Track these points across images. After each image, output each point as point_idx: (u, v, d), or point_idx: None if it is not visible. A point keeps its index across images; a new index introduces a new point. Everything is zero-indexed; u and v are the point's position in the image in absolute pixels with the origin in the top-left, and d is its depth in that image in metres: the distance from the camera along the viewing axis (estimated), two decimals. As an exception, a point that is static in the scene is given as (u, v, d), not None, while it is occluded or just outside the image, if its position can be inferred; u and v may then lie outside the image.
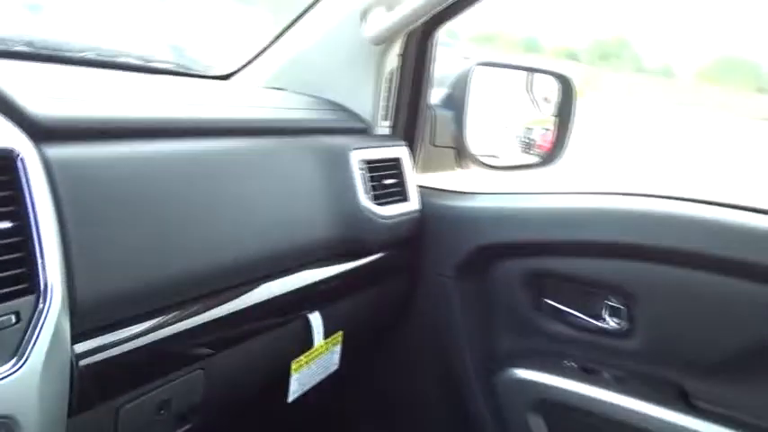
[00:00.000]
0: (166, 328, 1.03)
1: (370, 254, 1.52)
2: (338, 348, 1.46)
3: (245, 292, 1.19)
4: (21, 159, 0.83)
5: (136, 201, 0.99)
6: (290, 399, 1.34)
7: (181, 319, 1.06)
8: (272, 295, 1.24)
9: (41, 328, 0.82)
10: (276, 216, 1.25)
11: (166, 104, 1.20)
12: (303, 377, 1.35)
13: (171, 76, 1.55)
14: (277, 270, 1.26)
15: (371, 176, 1.50)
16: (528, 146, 2.32)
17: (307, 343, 1.35)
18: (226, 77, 1.69)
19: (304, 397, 1.39)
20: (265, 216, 1.23)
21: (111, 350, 0.95)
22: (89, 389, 0.91)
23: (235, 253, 1.15)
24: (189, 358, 1.08)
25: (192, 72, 1.66)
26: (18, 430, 0.78)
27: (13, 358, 0.79)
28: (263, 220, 1.22)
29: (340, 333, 1.45)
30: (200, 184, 1.11)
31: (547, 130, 2.18)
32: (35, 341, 0.81)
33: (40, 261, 0.83)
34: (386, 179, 1.56)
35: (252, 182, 1.23)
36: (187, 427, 1.13)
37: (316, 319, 1.35)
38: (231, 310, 1.14)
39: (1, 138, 0.82)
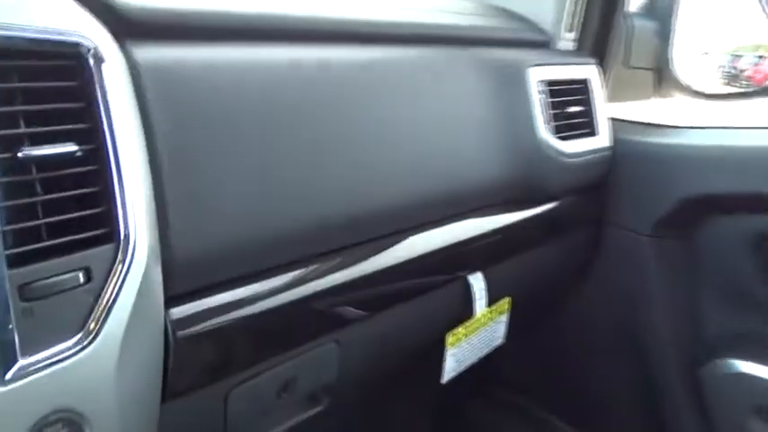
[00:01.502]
0: (290, 291, 0.79)
1: (547, 202, 1.19)
2: (504, 318, 1.16)
3: (390, 246, 0.92)
4: (96, 59, 0.60)
5: (250, 123, 0.74)
6: (445, 379, 1.07)
7: (308, 280, 0.81)
8: (423, 251, 0.96)
9: (120, 289, 0.60)
10: (431, 149, 0.96)
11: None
12: (461, 353, 1.08)
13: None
14: (430, 219, 0.98)
15: (552, 102, 1.16)
16: (734, 77, 1.86)
17: (465, 311, 1.07)
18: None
19: (457, 376, 1.12)
20: (419, 148, 0.94)
21: (218, 318, 0.72)
22: (189, 368, 0.70)
23: (378, 195, 0.88)
24: (319, 328, 0.84)
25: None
26: (88, 428, 0.58)
27: (78, 333, 0.58)
28: (416, 154, 0.93)
29: (507, 300, 1.15)
30: (335, 103, 0.84)
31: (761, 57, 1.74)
32: (110, 307, 0.59)
33: (119, 197, 0.60)
34: (570, 106, 1.21)
35: (400, 103, 0.93)
36: (316, 409, 0.91)
37: (477, 281, 1.06)
38: (372, 270, 0.88)
39: (67, 28, 0.59)
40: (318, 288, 0.82)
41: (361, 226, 0.87)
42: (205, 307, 0.71)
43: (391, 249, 0.92)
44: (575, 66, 1.24)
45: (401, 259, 0.93)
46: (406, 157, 0.92)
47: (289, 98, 0.79)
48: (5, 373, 0.52)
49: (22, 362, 0.53)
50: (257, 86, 0.75)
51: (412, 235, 0.95)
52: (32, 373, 0.54)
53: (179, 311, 0.68)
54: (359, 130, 0.86)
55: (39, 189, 0.57)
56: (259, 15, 0.80)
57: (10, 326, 0.53)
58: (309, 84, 0.82)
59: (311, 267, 0.81)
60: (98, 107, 0.60)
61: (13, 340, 0.53)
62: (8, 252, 0.53)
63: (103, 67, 0.61)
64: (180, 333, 0.68)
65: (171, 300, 0.67)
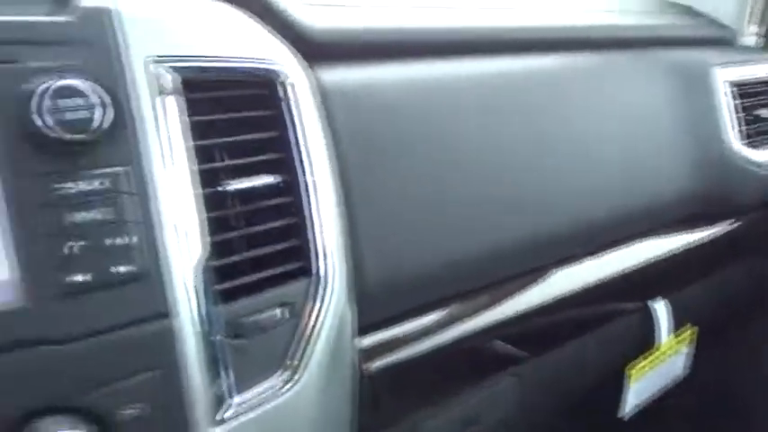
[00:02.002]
0: (471, 321, 0.74)
1: (736, 218, 1.06)
2: (688, 350, 1.05)
3: (567, 273, 0.85)
4: (290, 86, 0.59)
5: (435, 145, 0.70)
6: (626, 413, 0.98)
7: (487, 310, 0.76)
8: (601, 278, 0.88)
9: (317, 323, 0.58)
10: (606, 164, 0.88)
11: (466, 13, 0.88)
12: (643, 387, 0.98)
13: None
14: (607, 242, 0.89)
15: (741, 105, 1.03)
16: None
17: (647, 341, 0.97)
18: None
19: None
20: (593, 164, 0.86)
21: (405, 350, 0.69)
22: (381, 402, 0.67)
23: (555, 218, 0.81)
24: (500, 361, 0.79)
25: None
26: (290, 468, 0.56)
27: (282, 370, 0.56)
28: (592, 171, 0.86)
29: (692, 329, 1.04)
30: (510, 120, 0.78)
31: None
32: (309, 342, 0.57)
33: (317, 231, 0.58)
34: (761, 109, 1.07)
35: (582, 114, 0.86)
36: (492, 446, 0.85)
37: (660, 308, 0.96)
38: (551, 298, 0.82)
39: (262, 55, 0.58)
40: (497, 319, 0.76)
41: (538, 252, 0.80)
42: (392, 338, 0.68)
43: (568, 277, 0.84)
44: (764, 63, 1.10)
45: (579, 287, 0.85)
46: (581, 175, 0.84)
47: (470, 117, 0.74)
48: (219, 413, 0.51)
49: (236, 399, 0.52)
50: (438, 106, 0.71)
51: (589, 260, 0.87)
52: (245, 412, 0.52)
53: (367, 345, 0.65)
54: (534, 148, 0.80)
55: (240, 223, 0.56)
56: (439, 30, 0.76)
57: (223, 363, 0.51)
58: (487, 99, 0.77)
59: (489, 297, 0.76)
60: (292, 136, 0.58)
61: (227, 378, 0.52)
62: (217, 287, 0.52)
63: (296, 93, 0.59)
64: (369, 367, 0.65)
65: (359, 333, 0.64)
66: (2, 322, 0.43)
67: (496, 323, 0.76)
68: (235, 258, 0.54)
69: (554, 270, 0.83)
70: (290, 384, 0.55)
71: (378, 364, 0.66)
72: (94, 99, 0.45)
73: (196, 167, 0.52)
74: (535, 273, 0.81)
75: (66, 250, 0.45)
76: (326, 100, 0.63)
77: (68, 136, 0.44)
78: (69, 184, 0.45)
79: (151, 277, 0.48)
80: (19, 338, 0.43)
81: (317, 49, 0.64)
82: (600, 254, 0.88)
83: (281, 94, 0.58)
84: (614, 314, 0.92)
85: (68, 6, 0.48)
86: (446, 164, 0.70)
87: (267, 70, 0.57)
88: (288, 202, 0.58)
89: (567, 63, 0.89)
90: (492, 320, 0.76)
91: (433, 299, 0.71)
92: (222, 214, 0.54)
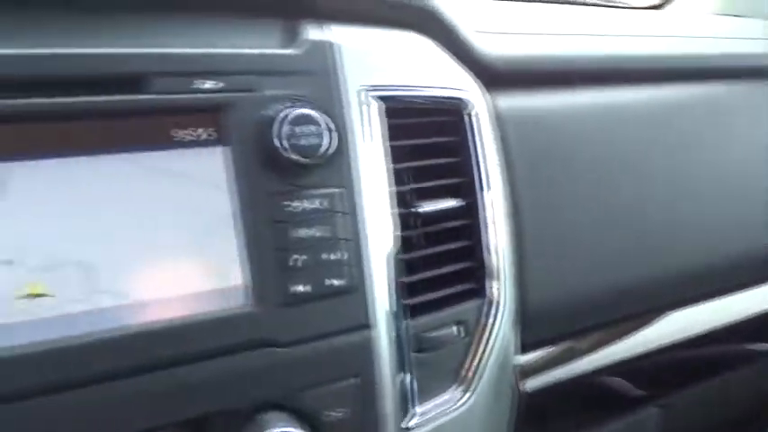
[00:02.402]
0: (620, 349, 0.75)
1: None
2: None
3: (715, 306, 0.83)
4: (472, 114, 0.61)
5: (599, 172, 0.71)
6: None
7: (636, 337, 0.76)
8: (748, 313, 0.86)
9: (491, 343, 0.60)
10: (756, 197, 0.86)
11: (614, 42, 0.89)
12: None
13: (593, 8, 1.23)
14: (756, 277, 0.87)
15: None
16: None
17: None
18: (659, 6, 1.31)
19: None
20: (744, 194, 0.85)
21: (556, 372, 0.70)
22: (533, 421, 0.69)
23: (705, 250, 0.80)
24: (644, 390, 0.79)
25: (614, 3, 1.32)
26: (461, 480, 0.58)
27: (457, 385, 0.59)
28: (739, 202, 0.84)
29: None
30: (671, 148, 0.78)
31: None
32: (482, 360, 0.60)
33: (492, 253, 0.61)
34: None
35: (727, 145, 0.85)
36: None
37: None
38: (700, 330, 0.81)
39: (452, 84, 0.61)
40: (646, 348, 0.76)
41: (687, 284, 0.80)
42: (546, 359, 0.70)
43: (715, 310, 0.83)
44: None
45: (726, 321, 0.84)
46: (727, 205, 0.83)
47: (629, 145, 0.75)
48: (405, 421, 0.54)
49: (419, 410, 0.55)
50: (602, 134, 0.73)
51: (738, 294, 0.85)
52: (426, 423, 0.55)
53: (525, 366, 0.67)
54: (683, 180, 0.80)
55: (423, 243, 0.59)
56: (608, 57, 0.77)
57: (409, 375, 0.55)
58: (652, 127, 0.77)
59: (641, 324, 0.76)
60: (474, 161, 0.61)
61: (411, 389, 0.55)
62: (407, 302, 0.55)
63: (479, 120, 0.62)
64: (526, 387, 0.67)
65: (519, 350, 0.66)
66: (235, 324, 0.48)
67: (644, 352, 0.76)
68: (421, 276, 0.57)
69: (703, 302, 0.82)
70: (464, 399, 0.58)
71: (533, 384, 0.68)
72: (324, 126, 0.49)
73: (393, 189, 0.56)
74: (684, 305, 0.81)
75: (291, 262, 0.49)
76: (501, 126, 0.65)
77: (300, 159, 0.48)
78: (296, 203, 0.50)
79: (358, 291, 0.52)
80: (249, 340, 0.48)
81: (494, 76, 0.66)
82: (749, 288, 0.87)
83: (466, 121, 0.61)
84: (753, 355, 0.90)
85: (297, 40, 0.53)
86: (608, 191, 0.72)
87: (456, 99, 0.60)
88: (466, 225, 0.61)
89: (718, 92, 0.88)
90: (639, 350, 0.76)
91: (590, 324, 0.72)
92: (411, 234, 0.57)
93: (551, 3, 1.20)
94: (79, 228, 0.45)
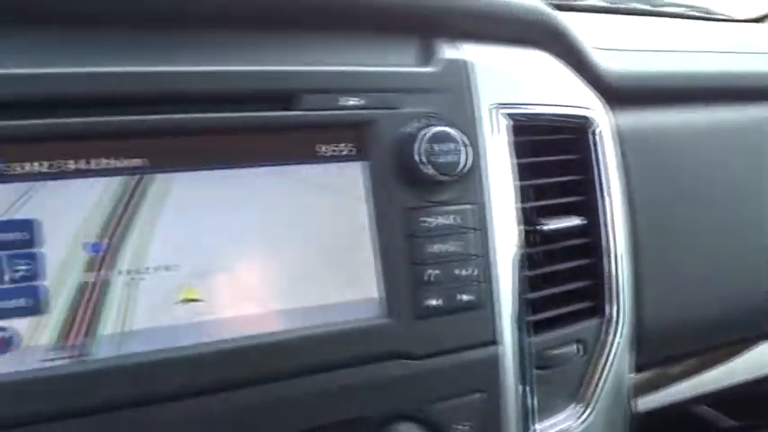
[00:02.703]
0: (715, 371, 0.73)
1: None
2: None
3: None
4: (596, 132, 0.61)
5: (713, 192, 0.70)
6: None
7: (731, 360, 0.74)
8: None
9: (609, 363, 0.60)
10: None
11: (726, 58, 0.86)
12: None
13: (695, 21, 1.20)
14: None
15: None
16: None
17: None
18: (760, 20, 1.27)
19: None
20: None
21: (663, 393, 0.69)
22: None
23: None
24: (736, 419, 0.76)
25: (712, 15, 1.28)
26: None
27: (576, 403, 0.58)
28: None
29: None
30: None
31: None
32: (601, 380, 0.59)
33: (612, 272, 0.60)
34: None
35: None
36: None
37: None
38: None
39: (578, 102, 0.61)
40: (744, 376, 0.74)
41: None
42: (656, 381, 0.68)
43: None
44: None
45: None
46: None
47: (739, 164, 0.73)
48: (525, 438, 0.55)
49: (538, 426, 0.55)
50: (717, 153, 0.71)
51: None
52: (545, 441, 0.56)
53: (638, 381, 0.66)
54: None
55: (544, 260, 0.59)
56: (723, 74, 0.76)
57: (530, 392, 0.55)
58: (758, 147, 0.75)
59: (738, 351, 0.74)
60: (596, 179, 0.61)
61: (533, 406, 0.55)
62: (531, 318, 0.56)
63: (603, 138, 0.61)
64: (640, 408, 0.66)
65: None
66: (370, 335, 0.49)
67: (742, 381, 0.74)
68: (544, 293, 0.57)
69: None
70: (582, 417, 0.58)
71: (647, 405, 0.66)
72: (461, 144, 0.50)
73: (519, 206, 0.56)
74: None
75: (425, 277, 0.50)
76: (622, 143, 0.64)
77: (437, 176, 0.49)
78: (431, 218, 0.51)
79: (486, 306, 0.52)
80: (383, 351, 0.49)
81: (615, 93, 0.66)
82: None
83: (590, 139, 0.61)
84: None
85: (433, 58, 0.54)
86: (721, 213, 0.70)
87: (581, 117, 0.60)
88: (586, 243, 0.60)
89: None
90: (738, 378, 0.74)
91: (700, 346, 0.70)
92: (534, 251, 0.58)
93: (650, 16, 1.18)
94: (228, 236, 0.47)
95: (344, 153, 0.50)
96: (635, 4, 1.30)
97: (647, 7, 1.27)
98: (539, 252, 0.59)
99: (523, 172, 0.57)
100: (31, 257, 0.43)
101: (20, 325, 0.42)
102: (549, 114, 0.59)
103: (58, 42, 0.45)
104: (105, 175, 0.45)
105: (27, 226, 0.43)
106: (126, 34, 0.47)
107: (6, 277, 0.42)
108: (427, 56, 0.54)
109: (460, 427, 0.51)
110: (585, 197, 0.61)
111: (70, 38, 0.46)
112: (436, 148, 0.49)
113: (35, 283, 0.43)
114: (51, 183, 0.44)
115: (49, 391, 0.42)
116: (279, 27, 0.51)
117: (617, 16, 1.08)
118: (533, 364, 0.56)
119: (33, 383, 0.41)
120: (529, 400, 0.55)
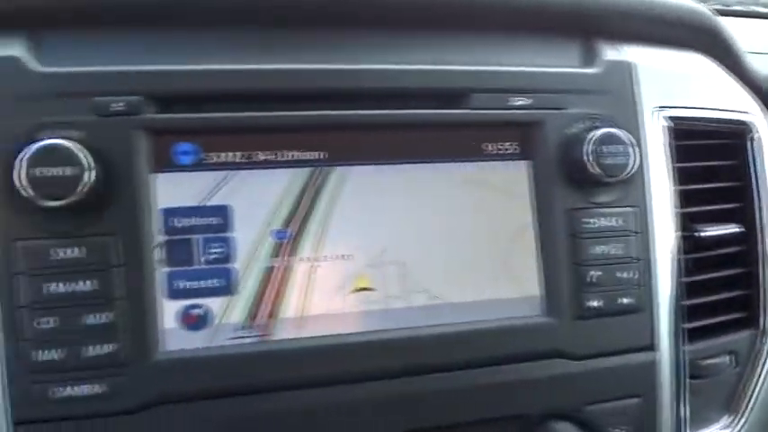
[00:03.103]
0: None
1: None
2: None
3: None
4: (755, 138, 0.59)
5: None
6: None
7: None
8: None
9: (763, 376, 0.58)
10: None
11: None
12: None
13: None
14: None
15: None
16: None
17: None
18: None
19: None
20: None
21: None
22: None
23: None
24: None
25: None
26: None
27: (725, 415, 0.57)
28: None
29: None
30: None
31: None
32: (754, 394, 0.57)
33: (764, 280, 0.58)
34: None
35: None
36: None
37: None
38: None
39: (738, 107, 0.59)
40: None
41: None
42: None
43: None
44: None
45: None
46: None
47: None
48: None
49: (691, 438, 0.54)
50: None
51: None
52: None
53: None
54: None
55: (699, 267, 0.58)
56: None
57: (684, 400, 0.54)
58: None
59: None
60: (753, 186, 0.59)
61: (686, 415, 0.54)
62: (685, 327, 0.54)
63: (761, 144, 0.59)
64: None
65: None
66: (532, 333, 0.49)
67: None
68: (699, 301, 0.56)
69: None
70: (735, 429, 0.56)
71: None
72: (629, 145, 0.50)
73: (678, 211, 0.55)
74: None
75: (587, 278, 0.50)
76: (778, 150, 0.62)
77: (603, 177, 0.49)
78: (594, 219, 0.51)
79: (645, 311, 0.52)
80: (545, 350, 0.49)
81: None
82: None
83: (748, 144, 0.59)
84: None
85: (596, 60, 0.54)
86: None
87: (740, 122, 0.59)
88: (742, 251, 0.59)
89: None
90: None
91: None
92: (691, 258, 0.56)
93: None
94: (398, 229, 0.49)
95: (510, 152, 0.51)
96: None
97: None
98: (695, 258, 0.58)
99: (681, 176, 0.56)
100: (224, 241, 0.46)
101: (213, 304, 0.45)
102: (709, 118, 0.57)
103: (257, 41, 0.48)
104: (291, 167, 0.47)
105: (221, 212, 0.46)
106: (312, 34, 0.49)
107: (202, 259, 0.45)
108: (590, 57, 0.54)
109: (616, 430, 0.51)
110: (742, 204, 0.59)
111: (266, 37, 0.48)
112: (605, 149, 0.49)
113: (227, 265, 0.46)
114: (243, 172, 0.46)
115: (238, 368, 0.44)
116: (449, 27, 0.52)
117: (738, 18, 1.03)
118: (687, 372, 0.55)
119: (224, 359, 0.44)
120: (682, 409, 0.54)
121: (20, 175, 0.40)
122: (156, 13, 0.46)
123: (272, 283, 0.46)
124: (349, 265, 0.48)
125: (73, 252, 0.42)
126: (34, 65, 0.43)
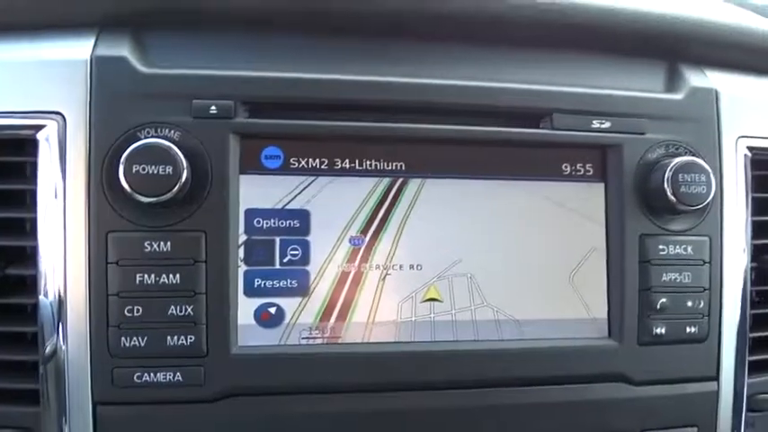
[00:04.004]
0: None
1: None
2: None
3: None
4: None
5: None
6: None
7: None
8: None
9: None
10: None
11: None
12: None
13: None
14: None
15: None
16: None
17: None
18: None
19: None
20: None
21: None
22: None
23: None
24: None
25: None
26: None
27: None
28: None
29: None
30: None
31: None
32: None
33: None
34: None
35: None
36: None
37: None
38: None
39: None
40: None
41: None
42: None
43: None
44: None
45: None
46: None
47: None
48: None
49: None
50: None
51: None
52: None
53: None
54: None
55: (762, 299, 0.57)
56: None
57: (741, 434, 0.54)
58: None
59: None
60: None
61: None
62: (750, 359, 0.54)
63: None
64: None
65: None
66: (594, 355, 0.50)
67: None
68: (765, 333, 0.55)
69: None
70: None
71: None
72: (710, 175, 0.49)
73: (750, 242, 0.54)
74: None
75: (654, 304, 0.50)
76: None
77: (679, 205, 0.49)
78: (665, 247, 0.51)
79: (710, 341, 0.51)
80: (606, 373, 0.50)
81: None
82: None
83: None
84: None
85: (680, 84, 0.53)
86: None
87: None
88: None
89: None
90: None
91: None
92: (761, 290, 0.56)
93: None
94: (469, 243, 0.49)
95: (588, 174, 0.51)
96: None
97: None
98: (759, 291, 0.57)
99: (755, 207, 0.55)
100: (302, 244, 0.47)
101: (287, 304, 0.47)
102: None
103: (346, 53, 0.49)
104: (369, 176, 0.48)
105: (301, 215, 0.47)
106: (399, 47, 0.50)
107: (279, 260, 0.47)
108: (674, 82, 0.54)
109: (683, 460, 0.51)
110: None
111: (355, 49, 0.50)
112: (683, 177, 0.49)
113: (303, 267, 0.47)
114: (323, 178, 0.48)
115: (308, 367, 0.46)
116: (537, 46, 0.52)
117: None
118: (746, 405, 0.54)
119: (296, 358, 0.46)
120: (745, 442, 0.54)
121: (121, 170, 0.42)
122: (252, 18, 0.48)
123: (344, 288, 0.48)
124: (419, 275, 0.49)
125: (163, 246, 0.44)
126: (139, 66, 0.45)
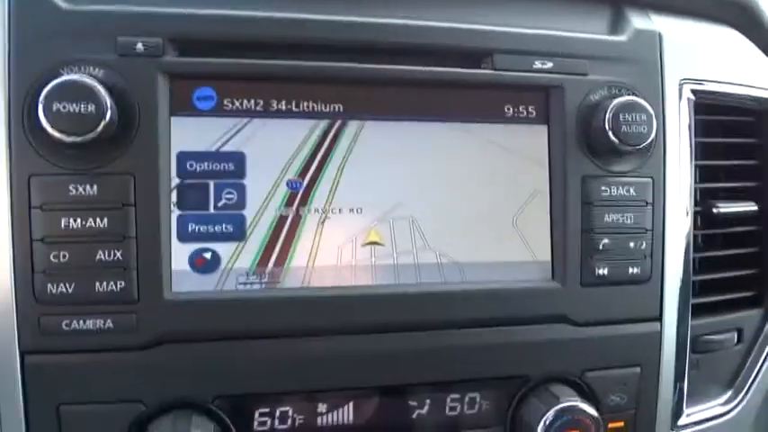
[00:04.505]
0: None
1: None
2: None
3: None
4: (778, 116, 0.58)
5: None
6: None
7: None
8: None
9: (765, 354, 0.58)
10: None
11: None
12: None
13: None
14: None
15: None
16: None
17: None
18: None
19: None
20: None
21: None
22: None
23: None
24: None
25: None
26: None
27: (726, 391, 0.57)
28: None
29: None
30: None
31: None
32: (756, 371, 0.58)
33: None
34: None
35: None
36: None
37: None
38: None
39: (759, 83, 0.58)
40: None
41: None
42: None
43: None
44: None
45: None
46: None
47: None
48: (677, 419, 0.54)
49: (689, 410, 0.55)
50: None
51: None
52: (695, 425, 0.55)
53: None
54: None
55: (711, 243, 0.57)
56: None
57: (685, 374, 0.54)
58: None
59: None
60: (769, 165, 0.58)
61: (686, 389, 0.54)
62: (694, 301, 0.54)
63: (784, 124, 0.58)
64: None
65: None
66: (538, 297, 0.49)
67: None
68: (709, 277, 0.56)
69: None
70: (734, 406, 0.57)
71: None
72: (650, 115, 0.49)
73: (693, 186, 0.54)
74: None
75: (597, 245, 0.50)
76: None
77: (620, 146, 0.49)
78: (607, 188, 0.50)
79: (652, 282, 0.52)
80: (549, 314, 0.50)
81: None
82: None
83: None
84: None
85: (623, 27, 0.53)
86: None
87: (765, 99, 0.58)
88: (756, 231, 0.58)
89: None
90: None
91: None
92: (704, 233, 0.56)
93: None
94: (411, 186, 0.49)
95: (529, 116, 0.50)
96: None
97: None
98: (709, 235, 0.57)
99: (700, 151, 0.56)
100: (237, 188, 0.46)
101: (223, 249, 0.46)
102: (734, 94, 0.56)
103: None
104: (306, 117, 0.47)
105: (236, 158, 0.46)
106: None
107: (214, 204, 0.46)
108: (618, 24, 0.53)
109: (615, 397, 0.51)
110: (759, 183, 0.58)
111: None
112: (624, 117, 0.48)
113: (239, 211, 0.46)
114: (258, 120, 0.47)
115: (244, 313, 0.45)
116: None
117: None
118: (690, 346, 0.55)
119: (232, 303, 0.45)
120: (683, 383, 0.54)
121: (40, 109, 0.40)
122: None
123: (283, 232, 0.47)
124: (360, 218, 0.48)
125: (89, 189, 0.42)
126: (60, 2, 0.43)
